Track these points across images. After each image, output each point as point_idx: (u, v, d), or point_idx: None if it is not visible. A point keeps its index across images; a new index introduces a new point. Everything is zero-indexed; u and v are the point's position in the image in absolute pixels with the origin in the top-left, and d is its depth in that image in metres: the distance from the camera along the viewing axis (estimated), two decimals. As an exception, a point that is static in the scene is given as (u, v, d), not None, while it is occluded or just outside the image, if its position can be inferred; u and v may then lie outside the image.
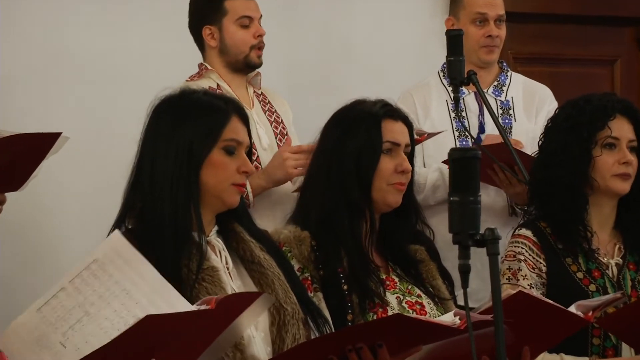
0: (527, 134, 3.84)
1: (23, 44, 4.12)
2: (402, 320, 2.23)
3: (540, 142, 3.12)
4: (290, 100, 3.93)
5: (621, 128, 3.02)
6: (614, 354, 2.93)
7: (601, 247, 3.04)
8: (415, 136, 2.99)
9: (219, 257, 2.47)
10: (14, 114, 4.01)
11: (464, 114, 3.88)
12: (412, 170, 2.87)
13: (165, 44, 4.23)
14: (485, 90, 3.89)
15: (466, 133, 3.83)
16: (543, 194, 3.04)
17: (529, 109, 3.98)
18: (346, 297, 2.71)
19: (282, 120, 3.78)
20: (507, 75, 4.02)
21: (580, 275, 2.98)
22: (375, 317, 2.69)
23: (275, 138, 3.71)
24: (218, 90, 3.58)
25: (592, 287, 2.96)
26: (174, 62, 4.03)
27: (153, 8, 4.30)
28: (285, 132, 3.75)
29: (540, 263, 2.99)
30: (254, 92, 3.77)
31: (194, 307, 2.06)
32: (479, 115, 3.91)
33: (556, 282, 2.96)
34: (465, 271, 1.98)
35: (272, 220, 3.24)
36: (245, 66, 3.71)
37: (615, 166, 3.01)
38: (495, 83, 3.99)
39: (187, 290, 2.30)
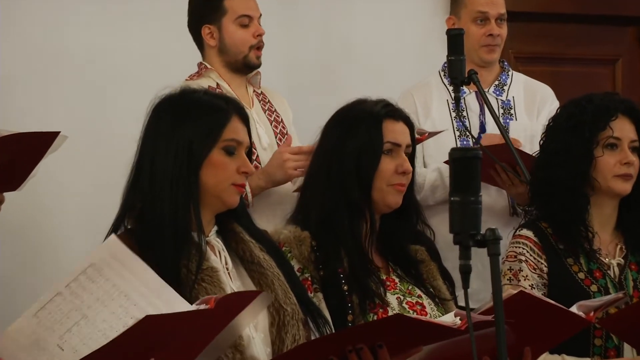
0: (525, 132, 3.82)
1: (23, 44, 4.12)
2: (402, 320, 2.23)
3: (541, 142, 3.11)
4: (290, 100, 3.93)
5: (623, 128, 3.02)
6: (616, 354, 2.92)
7: (602, 247, 3.03)
8: (416, 135, 2.98)
9: (219, 257, 2.46)
10: (14, 114, 4.01)
11: (464, 113, 3.87)
12: (413, 171, 2.86)
13: (165, 44, 4.23)
14: (486, 90, 3.88)
15: (467, 133, 3.82)
16: (544, 194, 3.04)
17: (531, 108, 3.97)
18: (346, 298, 2.71)
19: (282, 119, 3.77)
20: (508, 75, 4.02)
21: (581, 275, 2.97)
22: (375, 318, 2.68)
23: (275, 137, 3.70)
24: (218, 90, 3.57)
25: (594, 288, 2.95)
26: (174, 62, 4.02)
27: (153, 8, 4.30)
28: (285, 132, 3.74)
29: (542, 264, 2.98)
30: (254, 91, 3.76)
31: (193, 307, 2.05)
32: (480, 115, 3.90)
33: (557, 282, 2.95)
34: (466, 272, 1.97)
35: (272, 220, 3.23)
36: (244, 67, 3.70)
37: (617, 167, 3.00)
38: (497, 82, 3.98)
39: (186, 291, 2.29)
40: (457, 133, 3.88)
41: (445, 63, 3.84)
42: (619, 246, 3.05)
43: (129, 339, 1.96)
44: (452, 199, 1.98)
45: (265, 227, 2.67)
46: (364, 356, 2.22)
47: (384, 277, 2.80)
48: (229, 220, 2.51)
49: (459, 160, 2.00)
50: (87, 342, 2.01)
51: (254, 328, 2.40)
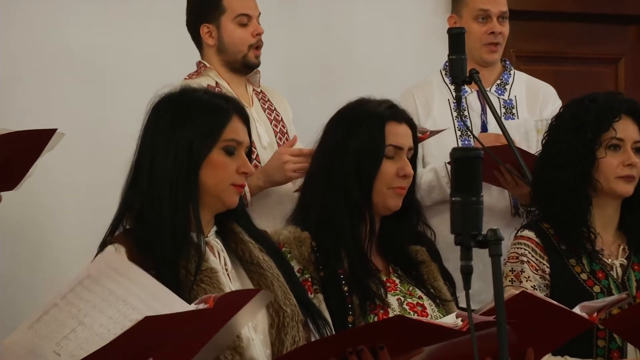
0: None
1: (23, 44, 4.12)
2: (403, 321, 2.22)
3: (544, 141, 3.10)
4: (290, 100, 3.92)
5: (626, 129, 3.00)
6: (619, 356, 2.91)
7: (605, 248, 3.02)
8: (418, 134, 2.96)
9: (218, 258, 2.45)
10: (14, 114, 4.00)
11: (466, 113, 3.86)
12: (415, 174, 2.85)
13: (165, 43, 4.22)
14: (487, 89, 3.87)
15: (468, 132, 3.81)
16: (546, 194, 3.02)
17: (533, 107, 3.96)
18: (347, 299, 2.69)
19: (281, 118, 3.76)
20: (510, 74, 4.00)
21: (584, 276, 2.96)
22: (376, 319, 2.67)
23: (275, 136, 3.69)
24: (217, 89, 3.57)
25: (597, 289, 2.93)
26: (174, 62, 4.01)
27: (153, 8, 4.30)
28: (285, 130, 3.73)
29: (544, 264, 2.97)
30: (254, 90, 3.75)
31: (192, 307, 2.04)
32: (481, 114, 3.89)
33: (560, 283, 2.94)
34: (467, 272, 1.96)
35: (271, 220, 3.22)
36: (243, 66, 3.68)
37: (620, 168, 2.99)
38: (498, 82, 3.97)
39: (185, 292, 2.28)
40: (459, 133, 3.87)
41: (446, 62, 3.83)
42: (621, 247, 3.04)
43: (128, 340, 1.96)
44: (453, 199, 1.97)
45: (264, 227, 2.65)
46: (364, 358, 2.22)
47: (385, 279, 2.79)
48: (229, 221, 2.50)
49: (461, 160, 1.98)
50: (84, 346, 2.00)
51: (253, 329, 2.38)
